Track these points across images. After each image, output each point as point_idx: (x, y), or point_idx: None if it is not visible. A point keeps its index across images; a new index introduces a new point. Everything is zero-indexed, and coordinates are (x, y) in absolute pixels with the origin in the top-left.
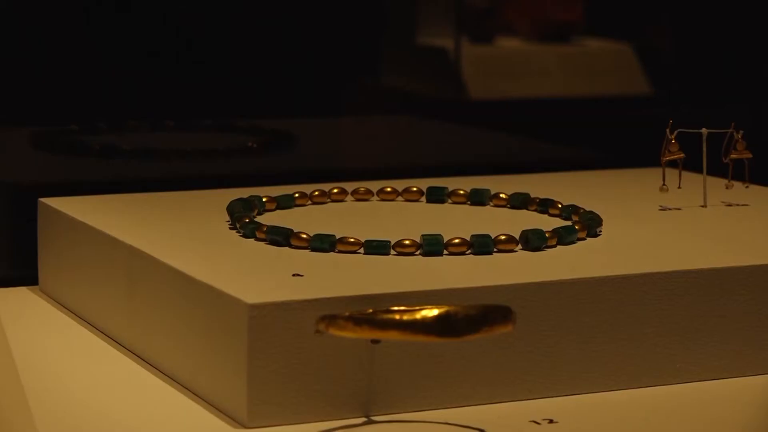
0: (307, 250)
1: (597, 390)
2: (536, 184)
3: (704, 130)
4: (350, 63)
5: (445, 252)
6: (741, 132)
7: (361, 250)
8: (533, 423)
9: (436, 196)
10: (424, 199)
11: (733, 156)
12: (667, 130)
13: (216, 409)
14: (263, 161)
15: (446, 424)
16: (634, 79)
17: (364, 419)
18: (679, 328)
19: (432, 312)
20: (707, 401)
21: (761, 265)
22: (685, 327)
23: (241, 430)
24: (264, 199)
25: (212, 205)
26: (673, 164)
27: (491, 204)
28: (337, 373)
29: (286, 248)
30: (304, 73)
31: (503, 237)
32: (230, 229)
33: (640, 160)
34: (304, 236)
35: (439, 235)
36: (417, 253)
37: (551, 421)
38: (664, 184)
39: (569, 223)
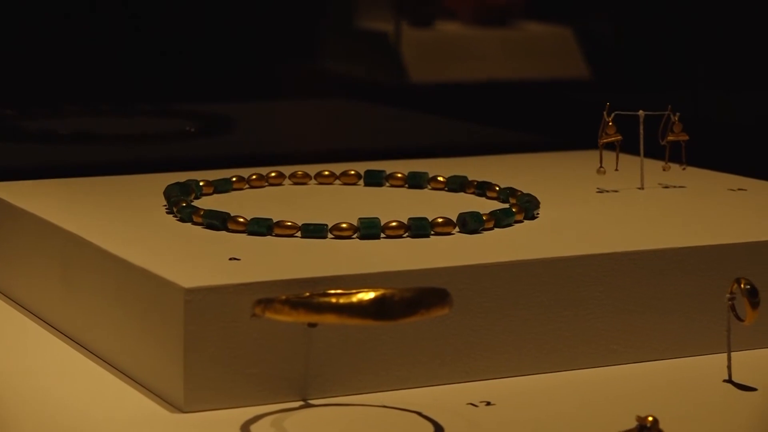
0: (244, 234)
1: (534, 372)
2: (474, 167)
3: (641, 113)
4: (289, 47)
5: (383, 235)
6: (678, 114)
7: (298, 234)
8: (471, 405)
9: (374, 179)
10: (361, 182)
11: (670, 138)
12: (605, 113)
13: (153, 393)
14: (201, 145)
15: (383, 407)
16: (573, 63)
17: (301, 403)
18: (616, 310)
19: (368, 295)
20: (644, 383)
21: (698, 247)
22: (622, 309)
23: (179, 414)
24: (201, 183)
25: (149, 189)
26: (610, 147)
27: (429, 187)
28: (274, 357)
29: (223, 232)
30: (242, 57)
31: (440, 220)
32: (167, 213)
33: (578, 143)
34: (241, 220)
35: (376, 218)
36: (354, 236)
37: (488, 404)
38: (601, 167)
39: (507, 205)
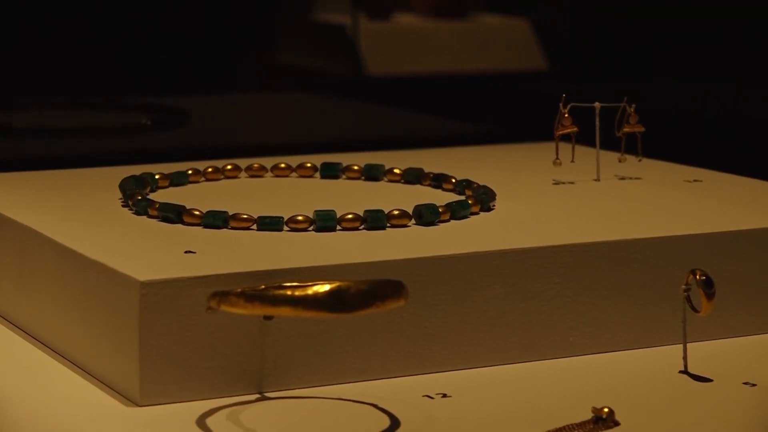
0: (200, 227)
1: (490, 364)
2: (431, 159)
3: (597, 104)
4: (246, 39)
5: (339, 227)
6: (633, 106)
7: (254, 227)
8: (427, 397)
9: (330, 171)
10: (318, 175)
11: (626, 130)
12: (561, 105)
13: (109, 387)
14: (157, 138)
15: (339, 400)
16: (530, 55)
17: (257, 396)
18: (572, 302)
19: (323, 287)
20: (600, 374)
21: (653, 238)
22: (578, 300)
23: (134, 408)
24: (157, 177)
25: (105, 182)
26: (566, 138)
27: (385, 179)
28: (230, 350)
29: (179, 225)
30: (199, 49)
31: (396, 212)
32: (123, 206)
33: (534, 135)
34: (197, 213)
35: (332, 210)
36: (310, 228)
37: (445, 396)
38: (557, 158)
39: (463, 197)
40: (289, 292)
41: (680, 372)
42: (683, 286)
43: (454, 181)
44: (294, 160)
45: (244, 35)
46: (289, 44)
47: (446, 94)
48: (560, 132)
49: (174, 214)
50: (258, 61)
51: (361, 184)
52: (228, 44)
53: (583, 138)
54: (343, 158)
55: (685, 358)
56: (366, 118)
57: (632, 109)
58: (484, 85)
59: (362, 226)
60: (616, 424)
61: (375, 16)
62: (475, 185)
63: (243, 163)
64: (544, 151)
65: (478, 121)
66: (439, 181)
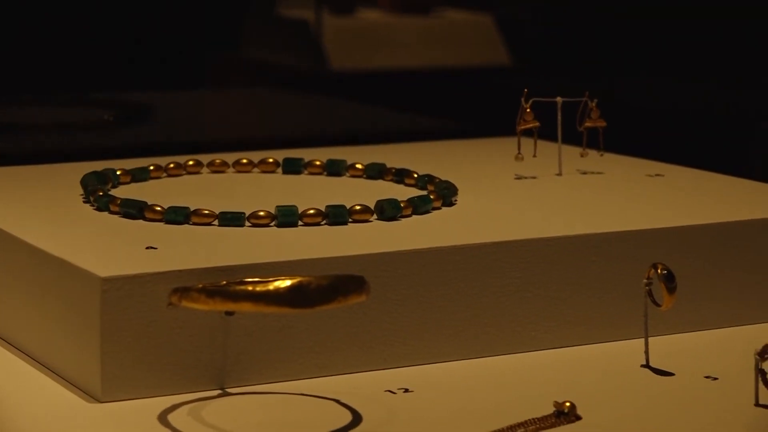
0: (162, 223)
1: (452, 359)
2: (393, 155)
3: (559, 99)
4: (210, 35)
5: (300, 223)
6: (595, 101)
7: (216, 222)
8: (389, 393)
9: (292, 167)
10: (280, 170)
11: (588, 124)
12: (522, 99)
13: (70, 383)
14: (119, 134)
15: (301, 395)
16: (493, 50)
17: (219, 391)
18: (534, 296)
19: (284, 283)
20: (562, 368)
21: (615, 233)
22: (540, 295)
23: (96, 404)
24: (118, 172)
25: (66, 178)
26: (528, 133)
27: (347, 174)
28: (191, 346)
29: (140, 221)
30: (163, 45)
31: (358, 207)
32: (84, 202)
33: (496, 130)
34: (158, 209)
35: (294, 206)
36: (272, 224)
37: (407, 391)
38: (519, 153)
39: (424, 192)
40: (250, 288)
41: (642, 366)
42: (645, 280)
43: (416, 176)
44: (256, 156)
45: (207, 31)
46: (253, 39)
47: (410, 90)
48: (522, 127)
49: (135, 210)
50: (221, 57)
51: (323, 180)
52: (191, 40)
53: (545, 133)
54: (306, 154)
55: (646, 352)
56: (329, 114)
57: (594, 104)
58: (447, 81)
59: (324, 222)
60: (578, 418)
61: (339, 12)
62: (437, 180)
63: (205, 158)
64: (506, 145)
65: (442, 116)
66: (401, 176)
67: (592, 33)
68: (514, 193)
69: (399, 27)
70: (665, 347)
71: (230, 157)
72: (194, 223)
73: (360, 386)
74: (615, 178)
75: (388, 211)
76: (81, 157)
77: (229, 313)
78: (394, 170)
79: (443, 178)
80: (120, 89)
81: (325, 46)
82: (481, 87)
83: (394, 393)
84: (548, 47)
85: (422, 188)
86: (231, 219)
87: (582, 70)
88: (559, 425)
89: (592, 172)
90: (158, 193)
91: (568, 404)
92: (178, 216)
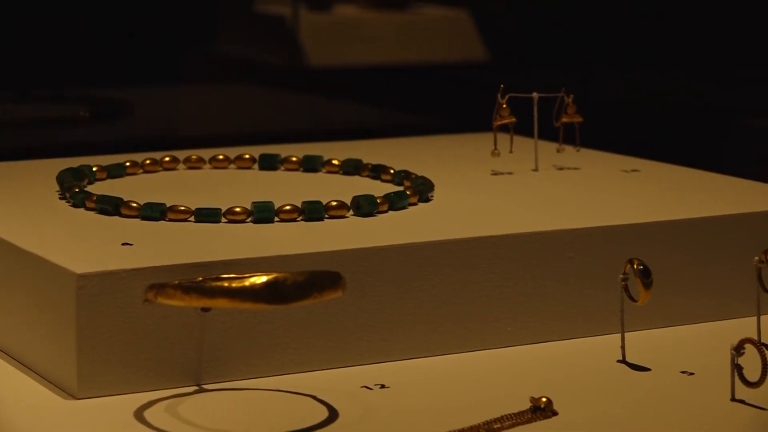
0: (138, 219)
1: (429, 354)
2: (370, 151)
3: (535, 95)
4: (187, 31)
5: (276, 219)
6: (571, 96)
7: (192, 218)
8: (365, 388)
9: (269, 163)
10: (256, 166)
11: (564, 120)
12: (498, 95)
13: (46, 380)
14: (96, 130)
15: (277, 391)
16: (470, 46)
17: (195, 388)
18: (510, 292)
19: (260, 279)
20: (538, 364)
21: (591, 228)
22: (516, 290)
23: (72, 400)
24: (94, 169)
25: (42, 175)
26: (504, 129)
27: (324, 170)
28: (168, 343)
29: (116, 217)
30: (139, 41)
31: (334, 203)
32: (60, 199)
33: (472, 125)
34: (134, 205)
35: (270, 202)
36: (248, 220)
37: (383, 387)
38: (495, 149)
39: (401, 188)
40: (226, 284)
41: (618, 361)
42: (621, 276)
43: (392, 172)
44: (232, 152)
45: (184, 26)
46: (229, 35)
47: (386, 86)
48: (498, 122)
49: (111, 207)
50: (198, 53)
51: (300, 176)
52: (168, 35)
53: (522, 128)
54: (282, 150)
55: (623, 347)
56: (306, 110)
57: (570, 100)
58: (424, 76)
59: (300, 218)
60: (554, 413)
61: (315, 8)
62: (414, 176)
63: (181, 155)
64: (482, 141)
65: (419, 112)
66: (377, 172)
67: (569, 28)
68: (491, 189)
69: (375, 23)
70: (641, 342)
71: (206, 153)
72: (170, 219)
73: (336, 382)
74: (591, 174)
75: (365, 207)
76: (57, 153)
77: (205, 310)
78: (370, 166)
79: (420, 174)
80: (96, 85)
81: (301, 41)
82: (457, 83)
83: (371, 389)
84: (525, 43)
85: (399, 184)
86: (207, 215)
87: (559, 65)
88: (535, 420)
89: (569, 168)
90: (134, 189)
91: (544, 399)
92: (154, 212)
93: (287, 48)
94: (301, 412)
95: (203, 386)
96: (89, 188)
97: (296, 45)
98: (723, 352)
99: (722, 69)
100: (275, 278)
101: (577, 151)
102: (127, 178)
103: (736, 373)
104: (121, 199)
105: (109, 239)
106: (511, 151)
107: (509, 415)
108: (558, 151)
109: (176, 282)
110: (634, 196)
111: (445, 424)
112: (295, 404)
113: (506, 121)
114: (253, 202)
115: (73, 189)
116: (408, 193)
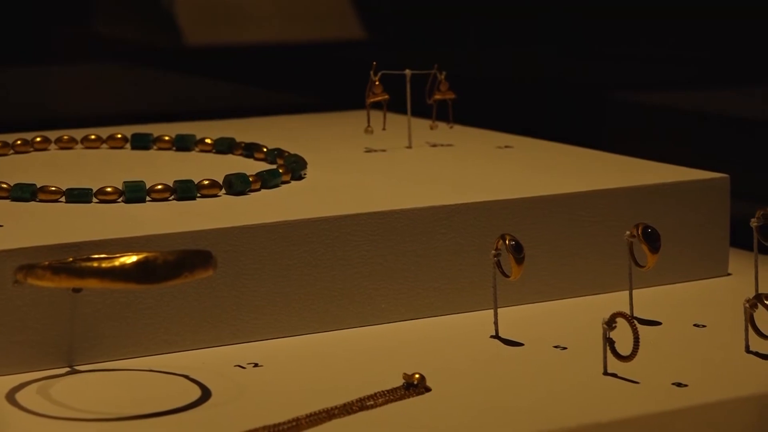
0: (8, 200)
1: (302, 332)
2: (243, 130)
3: (407, 72)
4: (57, 8)
5: (148, 198)
6: (444, 73)
7: (63, 199)
8: (238, 367)
9: (141, 142)
10: (129, 146)
11: (437, 97)
12: (371, 72)
13: None
14: None
15: (150, 372)
16: (346, 24)
17: (67, 369)
18: (383, 269)
19: (130, 259)
20: (412, 340)
21: (464, 204)
22: (390, 267)
23: None
24: None
25: None
26: (377, 106)
27: (197, 149)
28: (39, 324)
29: None
30: (8, 19)
31: (206, 182)
32: None
33: (346, 103)
34: (4, 186)
35: (142, 181)
36: (119, 200)
37: (256, 365)
38: (369, 126)
39: (274, 166)
40: (96, 264)
41: (491, 337)
42: (493, 251)
43: (265, 150)
44: (104, 132)
45: (54, 4)
46: (103, 13)
47: (264, 64)
48: (371, 100)
49: None
50: (70, 31)
51: (173, 155)
52: (38, 13)
53: (395, 106)
54: (156, 129)
55: (496, 323)
56: (182, 89)
57: (443, 77)
58: (302, 55)
59: (172, 197)
60: (428, 389)
61: None
62: (287, 154)
63: (53, 135)
64: (355, 119)
65: (296, 90)
66: (250, 150)
67: (444, 5)
68: (364, 166)
69: (254, 1)
70: (514, 318)
71: (78, 134)
72: (41, 200)
73: (209, 361)
74: (465, 151)
75: (237, 185)
76: None
77: (76, 290)
78: (243, 144)
79: (293, 152)
80: None
81: (177, 20)
82: (334, 60)
83: (244, 368)
84: (398, 19)
85: (272, 162)
86: (78, 195)
87: (432, 42)
88: (408, 397)
89: (442, 145)
90: (4, 170)
91: (417, 376)
92: (24, 193)
93: (163, 26)
94: (175, 391)
95: (75, 367)
96: None
97: (172, 24)
98: (595, 327)
99: (596, 43)
100: (145, 258)
101: (451, 128)
102: None
103: (608, 347)
104: None
105: None
106: (384, 129)
107: (383, 392)
108: (431, 128)
109: (46, 263)
110: (507, 173)
111: (319, 402)
112: (167, 384)
113: (379, 98)
114: (125, 182)
115: None
116: (280, 171)
